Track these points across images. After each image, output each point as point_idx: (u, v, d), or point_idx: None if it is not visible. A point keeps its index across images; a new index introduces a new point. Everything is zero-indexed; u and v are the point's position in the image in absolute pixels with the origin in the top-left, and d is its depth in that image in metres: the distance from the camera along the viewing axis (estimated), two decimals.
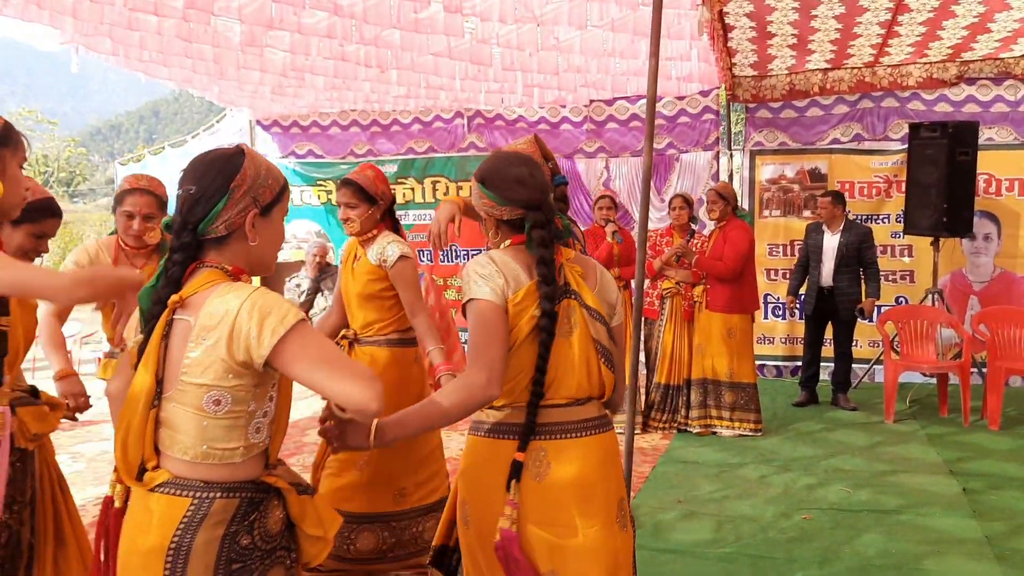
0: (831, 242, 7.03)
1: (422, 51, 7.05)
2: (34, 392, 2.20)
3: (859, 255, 6.93)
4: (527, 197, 2.13)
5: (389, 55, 7.26)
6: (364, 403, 1.57)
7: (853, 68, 7.92)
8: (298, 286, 8.36)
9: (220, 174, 1.72)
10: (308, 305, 8.22)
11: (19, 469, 2.13)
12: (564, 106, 9.10)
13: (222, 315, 1.61)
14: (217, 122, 10.75)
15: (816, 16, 6.23)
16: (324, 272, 8.33)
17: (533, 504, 2.05)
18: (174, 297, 1.66)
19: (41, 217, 2.57)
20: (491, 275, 2.07)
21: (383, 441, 1.91)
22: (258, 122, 10.16)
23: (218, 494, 1.63)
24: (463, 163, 9.40)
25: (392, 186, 9.65)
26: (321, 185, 9.94)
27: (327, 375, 1.59)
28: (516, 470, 2.05)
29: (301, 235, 9.97)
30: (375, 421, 1.87)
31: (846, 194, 7.79)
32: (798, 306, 7.34)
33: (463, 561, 2.18)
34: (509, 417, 2.10)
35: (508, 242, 2.17)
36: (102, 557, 1.80)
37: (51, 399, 2.21)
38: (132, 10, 5.91)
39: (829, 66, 7.90)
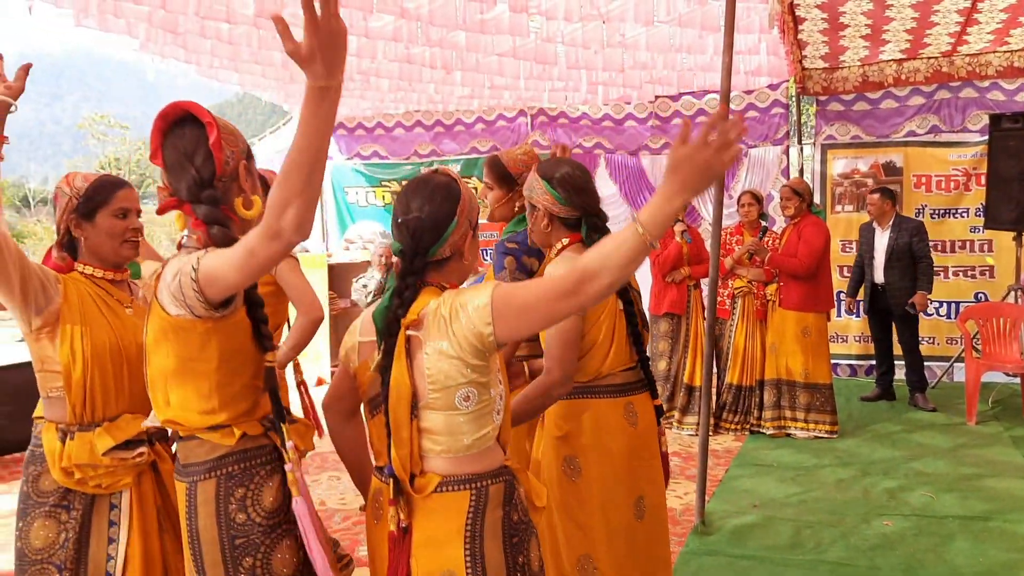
0: (882, 239, 6.91)
1: (487, 52, 7.04)
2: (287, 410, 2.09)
3: (911, 250, 6.76)
4: (587, 202, 2.52)
5: (454, 56, 7.27)
6: (578, 305, 1.67)
7: (929, 58, 7.68)
8: (364, 286, 8.45)
9: (447, 201, 1.86)
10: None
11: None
12: (629, 103, 9.01)
13: (438, 322, 1.76)
14: (283, 125, 10.92)
15: (892, 5, 6.05)
16: (391, 272, 8.40)
17: (632, 443, 2.56)
18: (409, 318, 1.79)
19: (108, 192, 2.32)
20: None
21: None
22: None
23: (489, 482, 1.83)
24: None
25: None
26: (386, 186, 10.02)
27: (544, 308, 1.68)
28: (660, 412, 2.67)
29: (367, 236, 10.06)
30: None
31: (923, 188, 7.58)
32: (856, 306, 7.35)
33: (560, 517, 2.55)
34: (608, 380, 2.56)
35: (566, 240, 2.53)
36: None
37: (300, 418, 2.10)
38: (204, 18, 6.02)
39: (904, 56, 7.66)
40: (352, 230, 10.13)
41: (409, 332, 1.79)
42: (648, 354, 2.71)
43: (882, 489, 4.95)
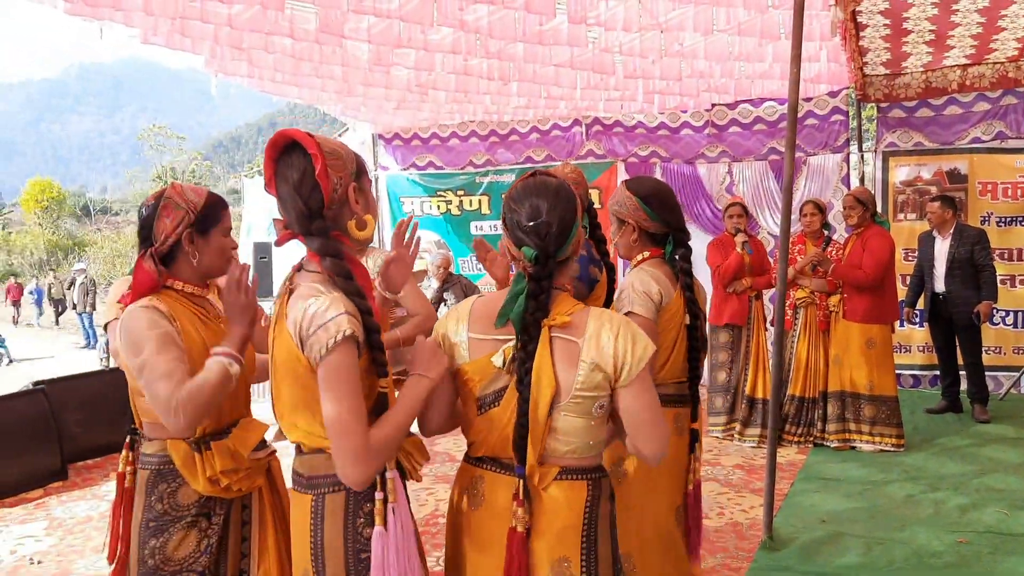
0: (942, 247, 6.79)
1: (544, 62, 7.07)
2: None
3: (972, 258, 6.61)
4: (676, 220, 2.76)
5: (511, 67, 7.30)
6: (652, 456, 1.87)
7: (995, 63, 7.50)
8: None
9: (570, 204, 1.91)
10: None
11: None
12: (685, 111, 8.96)
13: (600, 337, 1.83)
14: (339, 135, 11.06)
15: (957, 11, 5.93)
16: (448, 282, 8.44)
17: (677, 453, 2.72)
18: (557, 320, 1.84)
19: (220, 210, 2.38)
20: (653, 293, 2.62)
21: None
22: (380, 136, 10.39)
23: (601, 475, 1.92)
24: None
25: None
26: (441, 196, 10.10)
27: (648, 426, 1.85)
28: (695, 437, 2.75)
29: (423, 245, 10.14)
30: None
31: (988, 195, 7.41)
32: (916, 316, 7.24)
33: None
34: (660, 390, 2.56)
35: (647, 254, 2.76)
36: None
37: (412, 432, 2.06)
38: (268, 34, 6.14)
39: (969, 62, 7.50)
40: None
41: (559, 335, 1.83)
42: (707, 365, 2.80)
43: (953, 505, 4.84)
